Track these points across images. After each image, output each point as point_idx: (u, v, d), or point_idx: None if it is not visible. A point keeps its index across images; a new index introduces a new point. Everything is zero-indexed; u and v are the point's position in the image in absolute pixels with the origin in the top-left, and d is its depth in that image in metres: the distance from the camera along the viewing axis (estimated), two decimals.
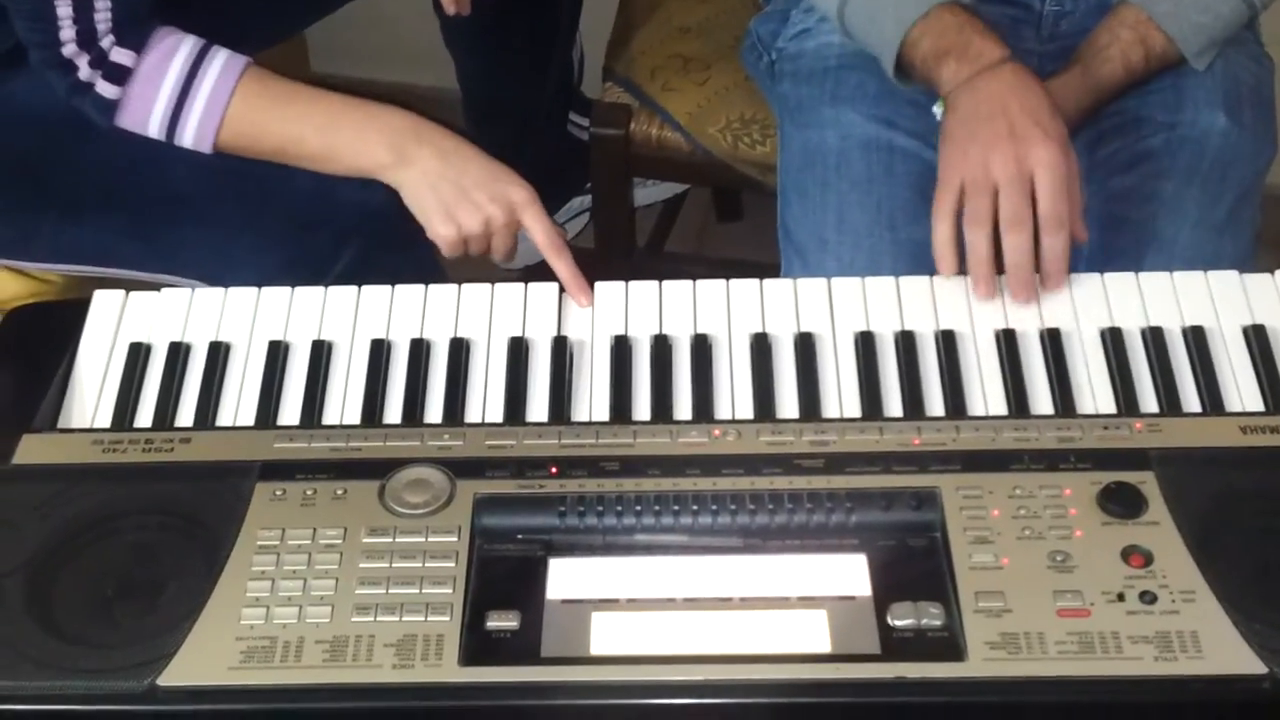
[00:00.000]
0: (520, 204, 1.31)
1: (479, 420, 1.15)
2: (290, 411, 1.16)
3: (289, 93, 1.35)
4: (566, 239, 1.30)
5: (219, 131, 1.34)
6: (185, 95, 1.33)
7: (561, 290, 1.24)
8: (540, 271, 1.28)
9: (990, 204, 1.22)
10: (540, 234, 1.30)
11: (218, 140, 1.35)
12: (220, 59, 1.34)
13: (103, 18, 1.31)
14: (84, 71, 1.32)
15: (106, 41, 1.31)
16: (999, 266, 1.22)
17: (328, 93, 1.36)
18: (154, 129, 1.35)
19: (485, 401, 1.16)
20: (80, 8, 1.29)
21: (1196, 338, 1.18)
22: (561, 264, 1.26)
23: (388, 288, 1.24)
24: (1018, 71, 1.29)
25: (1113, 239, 1.40)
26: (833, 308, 1.22)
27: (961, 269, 1.23)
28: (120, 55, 1.32)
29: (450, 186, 1.31)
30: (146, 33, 1.33)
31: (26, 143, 1.47)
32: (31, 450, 1.10)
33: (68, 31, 1.30)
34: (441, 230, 1.31)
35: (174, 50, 1.33)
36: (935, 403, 1.15)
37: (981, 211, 1.22)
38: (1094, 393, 1.15)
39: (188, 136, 1.35)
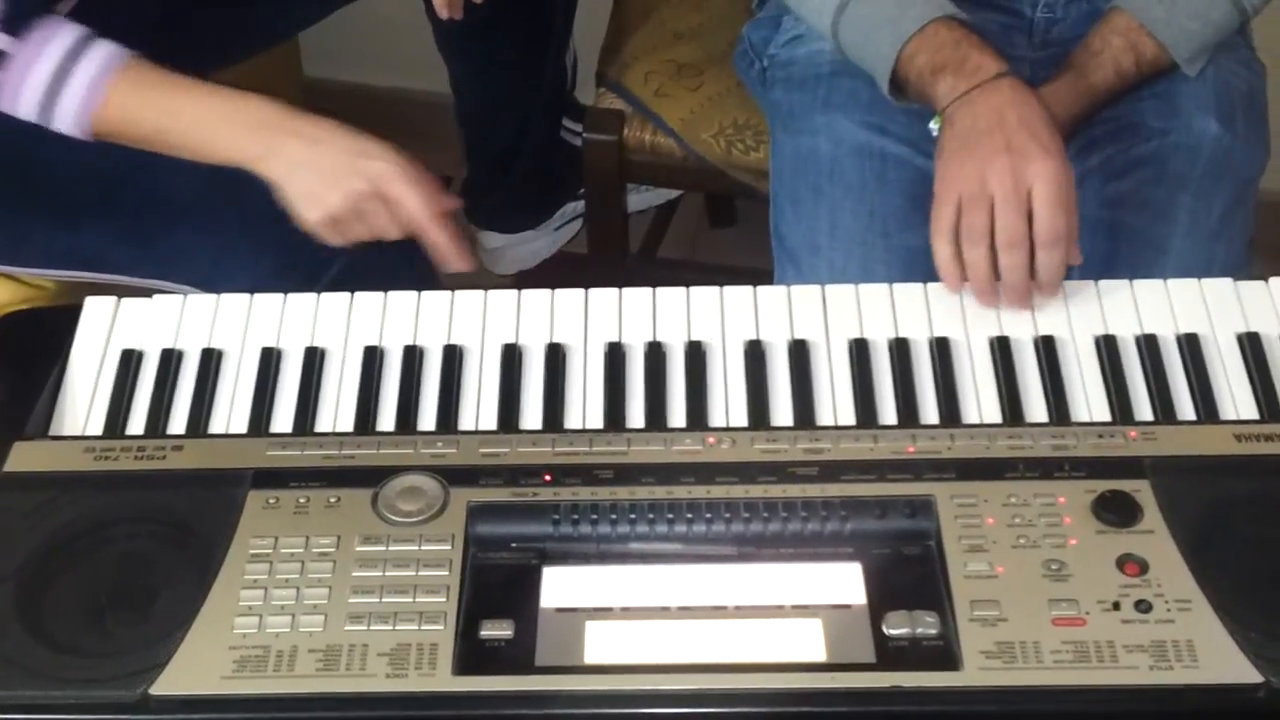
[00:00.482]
0: (382, 173, 1.28)
1: (473, 428, 1.14)
2: (283, 419, 1.15)
3: (164, 86, 1.33)
4: (447, 206, 1.29)
5: (93, 122, 1.32)
6: (59, 85, 1.30)
7: (553, 297, 1.23)
8: (533, 278, 1.28)
9: (988, 220, 1.22)
10: (410, 205, 1.27)
11: (93, 130, 1.33)
12: (102, 48, 1.32)
13: None
14: None
15: None
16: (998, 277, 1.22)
17: (206, 84, 1.34)
18: (26, 114, 1.32)
19: (479, 409, 1.16)
20: None
21: (1191, 345, 1.18)
22: (433, 234, 1.26)
23: (381, 294, 1.24)
24: (1015, 86, 1.29)
25: (1106, 245, 1.40)
26: (827, 315, 1.21)
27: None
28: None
29: (314, 171, 1.28)
30: (26, 21, 1.31)
31: (18, 147, 1.46)
32: (23, 458, 1.10)
33: None
34: (310, 215, 1.29)
35: (48, 39, 1.31)
36: (930, 410, 1.14)
37: (979, 228, 1.22)
38: (1088, 401, 1.15)
39: (62, 127, 1.33)
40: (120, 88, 1.31)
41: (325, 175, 1.28)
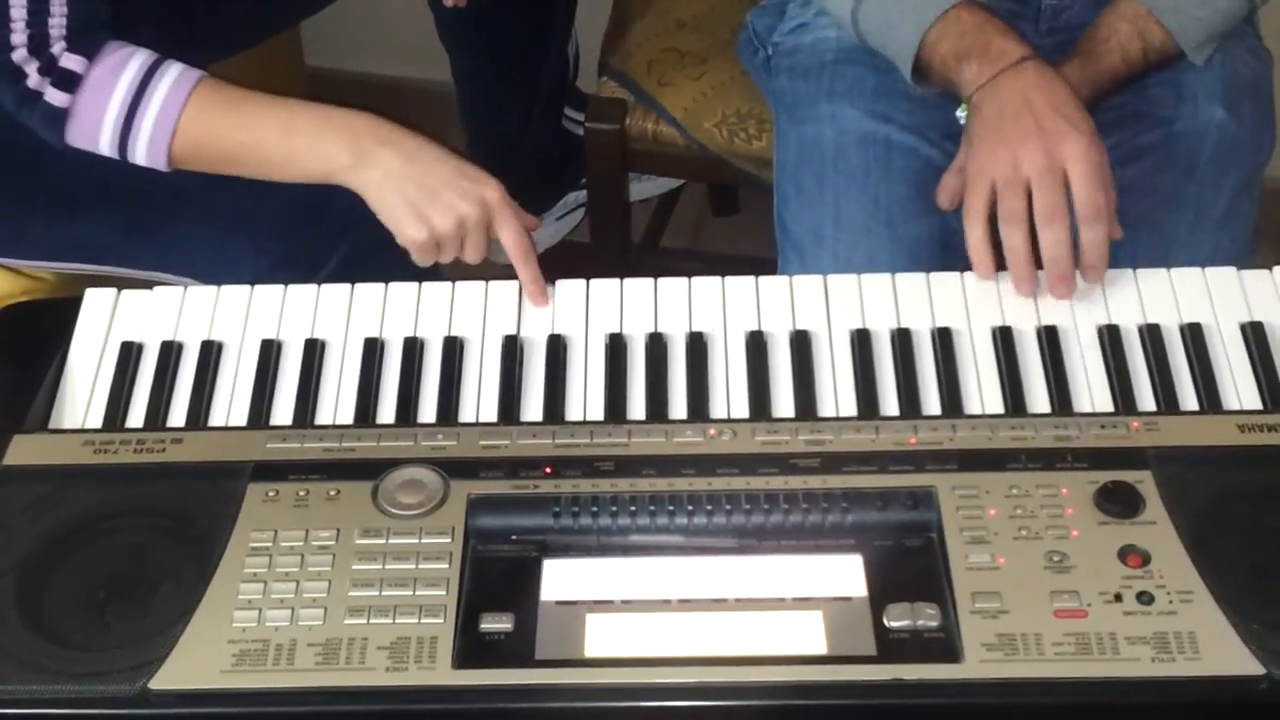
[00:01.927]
0: (494, 202, 1.26)
1: (473, 420, 1.14)
2: (283, 411, 1.15)
3: (244, 99, 1.32)
4: (533, 243, 1.27)
5: (173, 141, 1.30)
6: (137, 105, 1.29)
7: (555, 288, 1.23)
8: None
9: (1024, 201, 1.21)
10: (510, 235, 1.26)
11: (172, 151, 1.31)
12: (173, 71, 1.30)
13: (57, 23, 1.27)
14: (33, 79, 1.28)
15: (57, 48, 1.28)
16: (1037, 263, 1.21)
17: (283, 98, 1.32)
18: (105, 141, 1.31)
19: (479, 401, 1.16)
20: (35, 11, 1.26)
21: (1194, 335, 1.17)
22: (526, 269, 1.23)
23: (381, 286, 1.23)
24: (1040, 69, 1.28)
25: None
26: (829, 305, 1.21)
27: (1000, 267, 1.23)
28: (70, 61, 1.28)
29: (417, 187, 1.25)
30: (98, 42, 1.30)
31: (19, 140, 1.46)
32: (22, 451, 1.10)
33: (19, 36, 1.27)
34: (412, 232, 1.25)
35: (125, 61, 1.30)
36: (932, 401, 1.14)
37: (1017, 210, 1.21)
38: (1091, 391, 1.15)
39: (140, 148, 1.31)
40: (199, 105, 1.30)
41: (432, 194, 1.25)
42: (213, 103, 1.30)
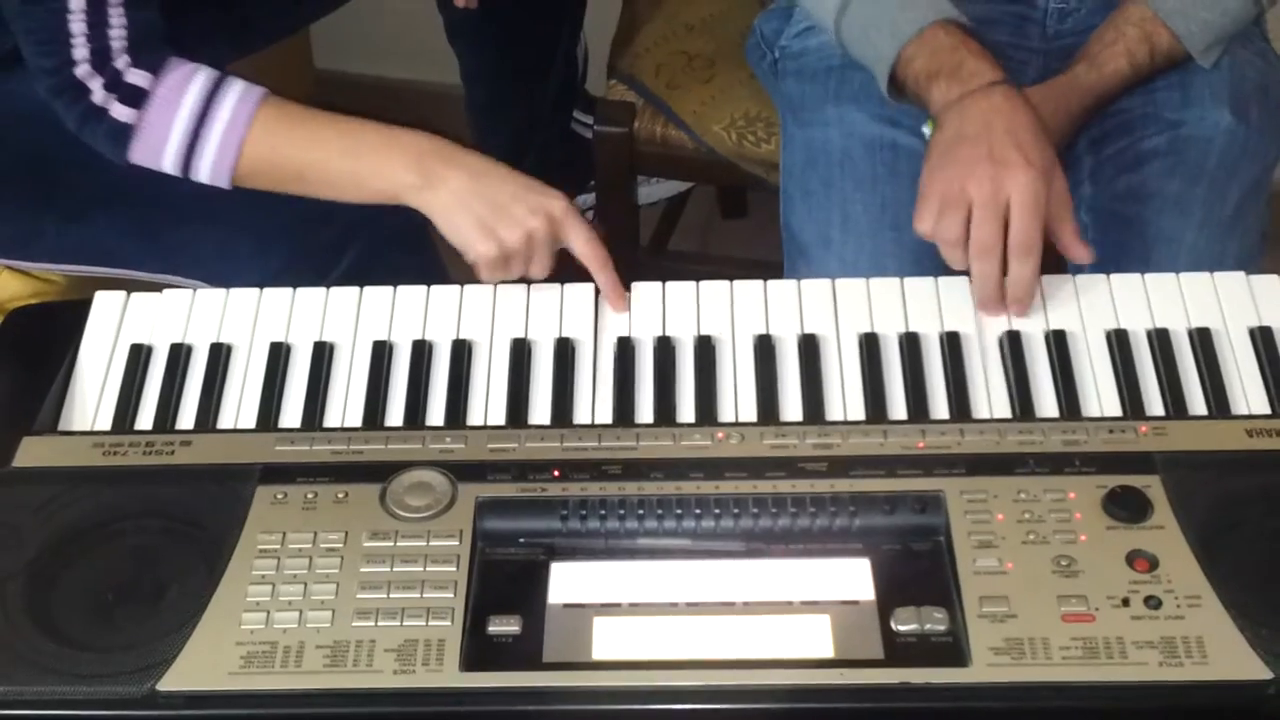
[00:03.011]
0: (561, 215, 1.26)
1: (481, 423, 1.14)
2: (291, 414, 1.15)
3: (308, 117, 1.31)
4: (606, 248, 1.26)
5: (238, 160, 1.30)
6: (202, 122, 1.28)
7: (563, 291, 1.23)
8: None
9: (963, 224, 1.21)
10: (582, 244, 1.25)
11: (236, 169, 1.30)
12: (237, 87, 1.30)
13: (117, 34, 1.27)
14: (97, 95, 1.28)
15: (121, 62, 1.28)
16: None
17: (348, 117, 1.32)
18: (170, 159, 1.30)
19: (487, 404, 1.16)
20: (95, 24, 1.26)
21: (1202, 339, 1.17)
22: (604, 275, 1.23)
23: (390, 289, 1.23)
24: (1008, 95, 1.27)
25: (1118, 238, 1.40)
26: (837, 309, 1.21)
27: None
28: (136, 77, 1.28)
29: (485, 204, 1.25)
30: (162, 57, 1.30)
31: (30, 142, 1.46)
32: (32, 453, 1.10)
33: (80, 50, 1.26)
34: (482, 249, 1.24)
35: (190, 77, 1.29)
36: (940, 405, 1.14)
37: (954, 230, 1.21)
38: (1099, 395, 1.15)
39: (204, 166, 1.30)
40: (264, 124, 1.29)
41: (500, 210, 1.25)
42: (277, 121, 1.30)
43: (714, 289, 1.23)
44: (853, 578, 1.00)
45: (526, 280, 1.28)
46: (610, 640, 0.96)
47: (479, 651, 0.96)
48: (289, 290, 1.24)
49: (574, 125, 2.18)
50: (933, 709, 0.94)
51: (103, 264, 1.50)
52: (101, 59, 1.27)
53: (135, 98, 1.28)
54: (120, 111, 1.28)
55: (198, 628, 0.96)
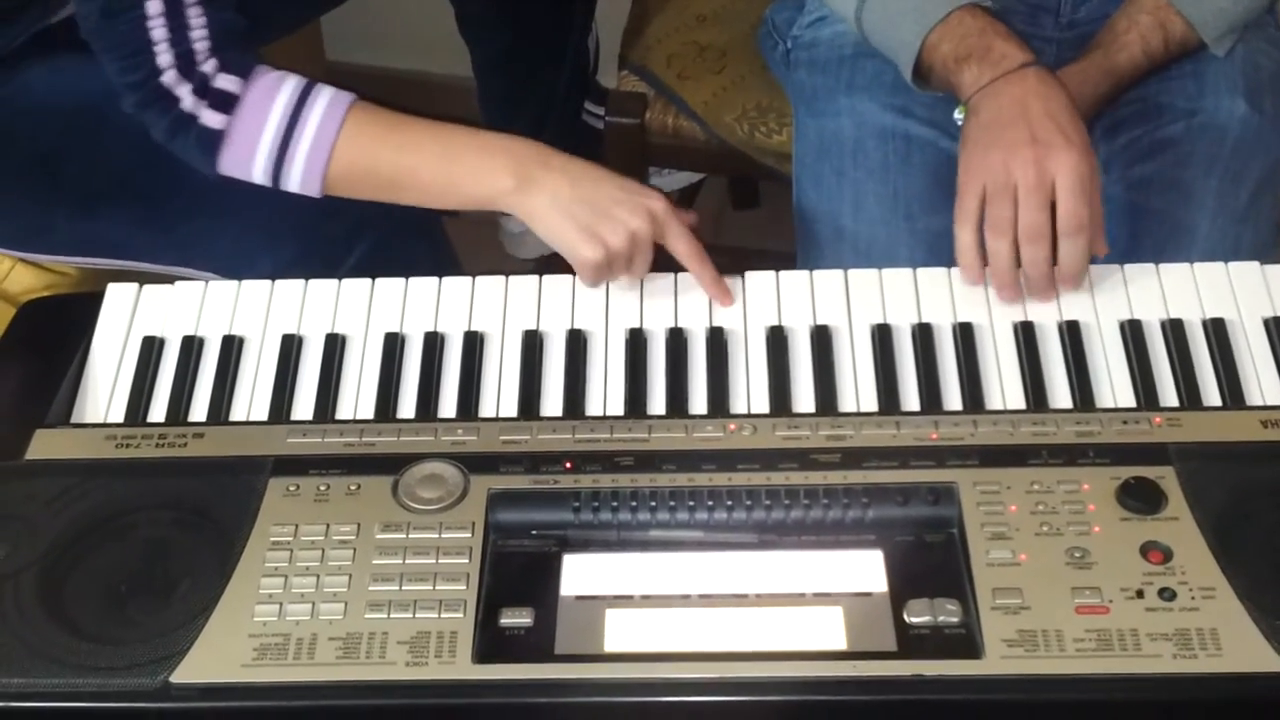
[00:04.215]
0: (661, 214, 1.24)
1: (493, 414, 1.14)
2: (304, 406, 1.15)
3: (400, 123, 1.29)
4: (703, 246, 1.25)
5: (329, 166, 1.27)
6: (292, 130, 1.26)
7: (574, 282, 1.23)
8: (553, 264, 1.27)
9: (1012, 211, 1.21)
10: (684, 244, 1.24)
11: (327, 176, 1.28)
12: (327, 93, 1.28)
13: (199, 35, 1.24)
14: (187, 101, 1.25)
15: (209, 66, 1.25)
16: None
17: (436, 121, 1.29)
18: (260, 167, 1.27)
19: (499, 395, 1.16)
20: (175, 27, 1.23)
21: (1217, 330, 1.17)
22: (705, 273, 1.22)
23: (401, 280, 1.23)
24: (1040, 75, 1.27)
25: (1131, 229, 1.39)
26: (849, 300, 1.21)
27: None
28: (225, 81, 1.25)
29: (586, 207, 1.23)
30: (250, 61, 1.27)
31: (42, 135, 1.46)
32: (45, 445, 1.10)
33: (165, 57, 1.24)
34: (586, 253, 1.21)
35: (279, 84, 1.27)
36: (953, 396, 1.14)
37: (1004, 220, 1.21)
38: (1113, 386, 1.14)
39: (295, 174, 1.27)
40: (354, 130, 1.27)
41: (602, 213, 1.22)
42: (368, 126, 1.28)
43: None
44: (865, 570, 0.99)
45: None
46: (622, 632, 0.96)
47: (491, 643, 0.96)
48: (301, 282, 1.24)
49: (585, 117, 2.17)
50: (946, 701, 0.94)
51: (114, 256, 1.50)
52: (187, 63, 1.24)
53: (225, 103, 1.25)
54: (210, 118, 1.25)
55: (211, 620, 0.97)
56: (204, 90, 1.25)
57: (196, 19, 1.24)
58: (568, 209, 1.23)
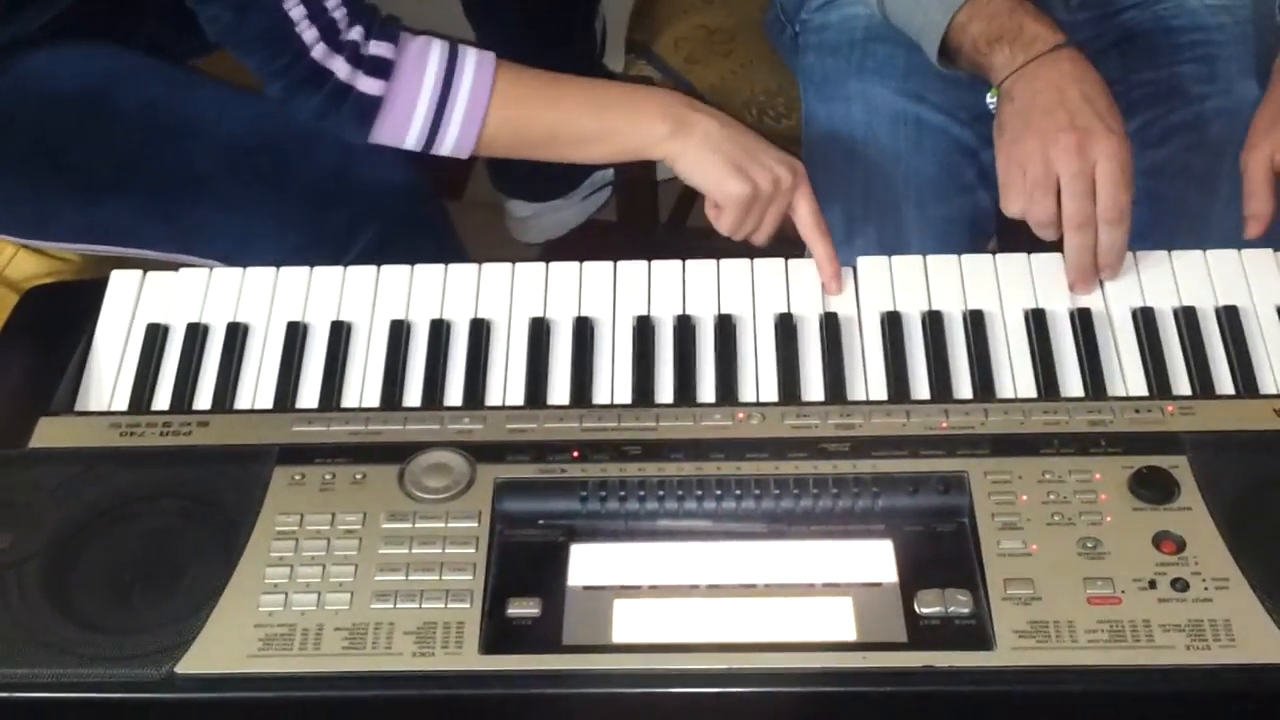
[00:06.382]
0: (801, 171, 1.26)
1: (500, 403, 1.13)
2: (309, 394, 1.15)
3: (545, 79, 1.30)
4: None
5: (483, 128, 1.27)
6: (447, 92, 1.25)
7: (581, 270, 1.22)
8: (560, 250, 1.27)
9: (1054, 202, 1.19)
10: (808, 210, 1.25)
11: (481, 136, 1.27)
12: (472, 54, 1.27)
13: (334, 3, 1.23)
14: (342, 72, 1.23)
15: (355, 34, 1.23)
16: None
17: (583, 77, 1.31)
18: (414, 133, 1.26)
19: (506, 383, 1.15)
20: (311, 2, 1.21)
21: (1230, 318, 1.16)
22: (822, 245, 1.22)
23: (407, 267, 1.23)
24: (1074, 58, 1.25)
25: (1144, 215, 1.37)
26: (859, 287, 1.20)
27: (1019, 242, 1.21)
28: (378, 48, 1.24)
29: (737, 146, 1.24)
30: (393, 28, 1.26)
31: (46, 122, 1.46)
32: (48, 433, 1.09)
33: (309, 34, 1.22)
34: (732, 187, 1.22)
35: (428, 48, 1.26)
36: (963, 385, 1.13)
37: (1049, 207, 1.20)
38: (1125, 374, 1.13)
39: (450, 138, 1.27)
40: (506, 88, 1.27)
41: (750, 153, 1.24)
42: (517, 84, 1.28)
43: (734, 267, 1.22)
44: (875, 560, 0.99)
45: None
46: (630, 622, 0.96)
47: (498, 634, 0.95)
48: (306, 269, 1.23)
49: None
50: (956, 692, 0.93)
51: (119, 243, 1.49)
52: (331, 34, 1.23)
53: (382, 69, 1.24)
54: (368, 84, 1.24)
55: (216, 610, 0.96)
56: (357, 59, 1.23)
57: None
58: (719, 146, 1.24)
